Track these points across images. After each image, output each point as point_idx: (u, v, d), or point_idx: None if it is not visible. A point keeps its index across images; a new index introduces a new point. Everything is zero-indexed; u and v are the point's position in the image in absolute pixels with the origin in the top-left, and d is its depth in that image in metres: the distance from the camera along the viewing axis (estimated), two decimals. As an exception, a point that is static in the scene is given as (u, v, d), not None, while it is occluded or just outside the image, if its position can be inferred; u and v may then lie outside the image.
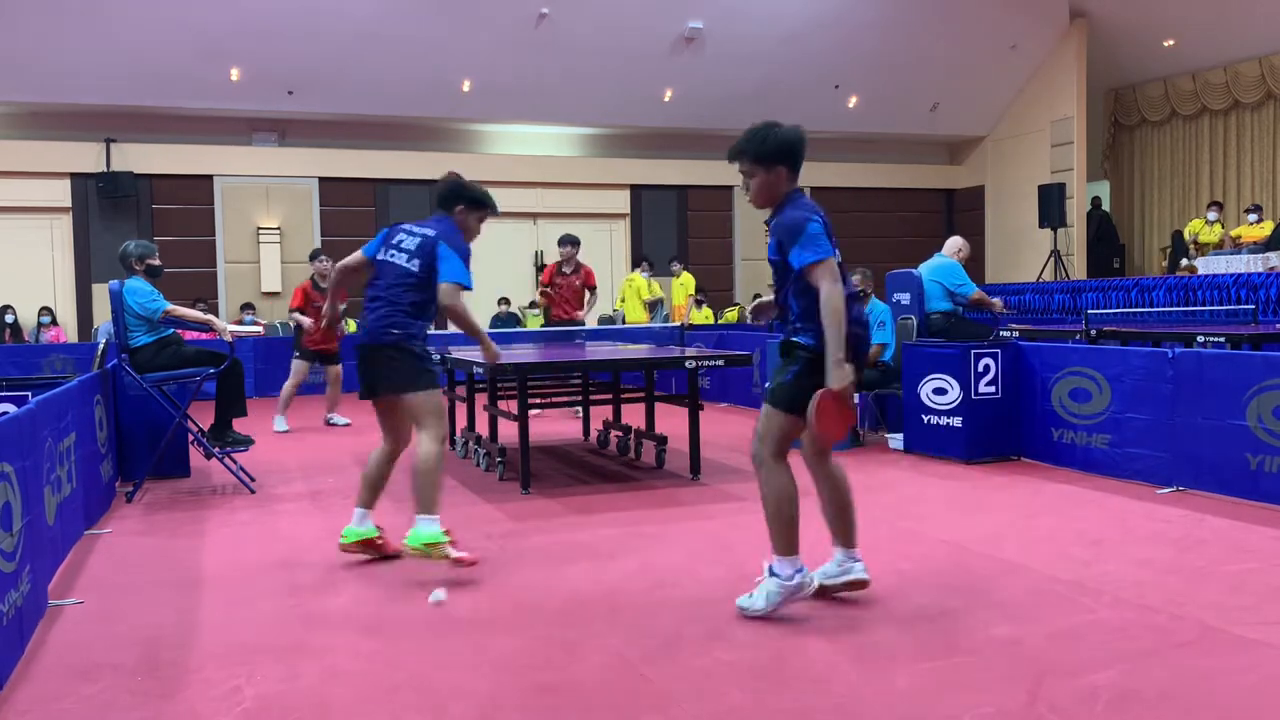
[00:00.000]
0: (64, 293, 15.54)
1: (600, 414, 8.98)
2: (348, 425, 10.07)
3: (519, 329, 14.97)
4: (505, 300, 16.47)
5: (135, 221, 15.44)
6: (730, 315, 17.06)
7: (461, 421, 8.27)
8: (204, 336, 8.97)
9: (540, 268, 16.04)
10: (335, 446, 8.62)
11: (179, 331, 6.96)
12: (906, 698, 3.08)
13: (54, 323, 14.97)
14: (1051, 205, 17.25)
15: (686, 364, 6.69)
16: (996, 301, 8.86)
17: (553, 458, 7.78)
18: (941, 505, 5.88)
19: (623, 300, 14.49)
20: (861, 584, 3.99)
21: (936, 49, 17.06)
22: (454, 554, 4.39)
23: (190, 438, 6.89)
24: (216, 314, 14.78)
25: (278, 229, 16.38)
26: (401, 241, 4.69)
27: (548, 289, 10.40)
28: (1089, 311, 9.54)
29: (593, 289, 10.50)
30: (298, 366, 9.94)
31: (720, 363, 6.85)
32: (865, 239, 19.23)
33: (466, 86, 15.87)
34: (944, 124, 19.11)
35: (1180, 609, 3.85)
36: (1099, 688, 3.10)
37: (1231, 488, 5.72)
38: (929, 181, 20.22)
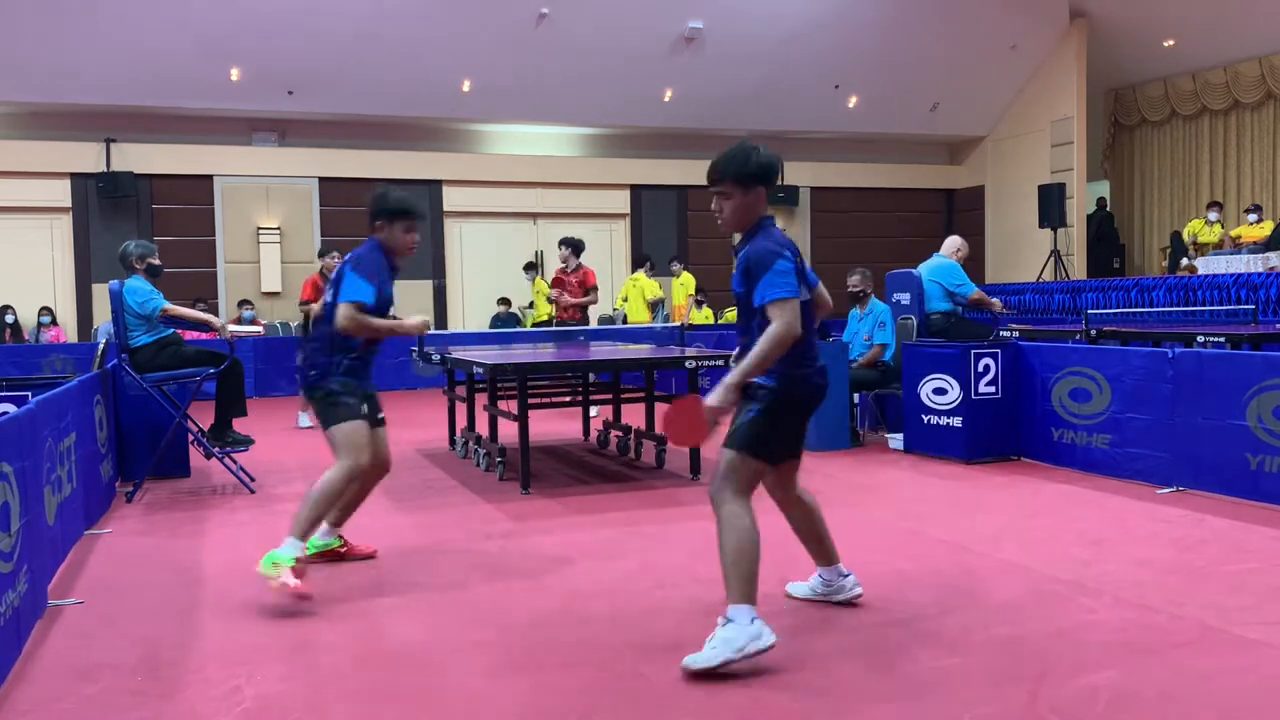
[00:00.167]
0: (64, 293, 15.54)
1: (601, 414, 8.99)
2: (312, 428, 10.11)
3: (519, 329, 14.97)
4: (505, 300, 16.47)
5: (135, 221, 15.44)
6: (730, 315, 17.05)
7: (461, 421, 8.26)
8: (204, 336, 8.97)
9: (537, 267, 16.05)
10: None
11: (179, 331, 6.96)
12: (907, 698, 3.08)
13: (54, 323, 14.97)
14: (1051, 205, 17.24)
15: (686, 364, 6.69)
16: (996, 301, 8.86)
17: (553, 458, 7.79)
18: (941, 505, 5.88)
19: (624, 300, 14.48)
20: (857, 599, 3.98)
21: (936, 49, 17.05)
22: (291, 580, 4.06)
23: (190, 438, 6.89)
24: (216, 314, 14.78)
25: (278, 229, 16.38)
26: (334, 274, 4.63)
27: (556, 297, 10.65)
28: (1089, 311, 9.53)
29: (591, 289, 10.58)
30: None
31: (720, 363, 6.85)
32: (865, 239, 19.26)
33: (466, 86, 15.87)
34: (944, 124, 19.10)
35: (1180, 609, 3.85)
36: (1099, 688, 3.10)
37: (1231, 488, 5.72)
38: (929, 181, 20.22)
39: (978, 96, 18.69)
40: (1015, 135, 19.12)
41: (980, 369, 7.11)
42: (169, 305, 6.71)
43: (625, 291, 13.97)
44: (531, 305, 15.84)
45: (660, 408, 7.90)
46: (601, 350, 8.02)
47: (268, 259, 16.24)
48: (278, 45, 14.40)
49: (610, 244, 18.05)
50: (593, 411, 9.27)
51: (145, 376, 6.56)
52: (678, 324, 13.68)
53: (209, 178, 16.08)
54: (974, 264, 17.34)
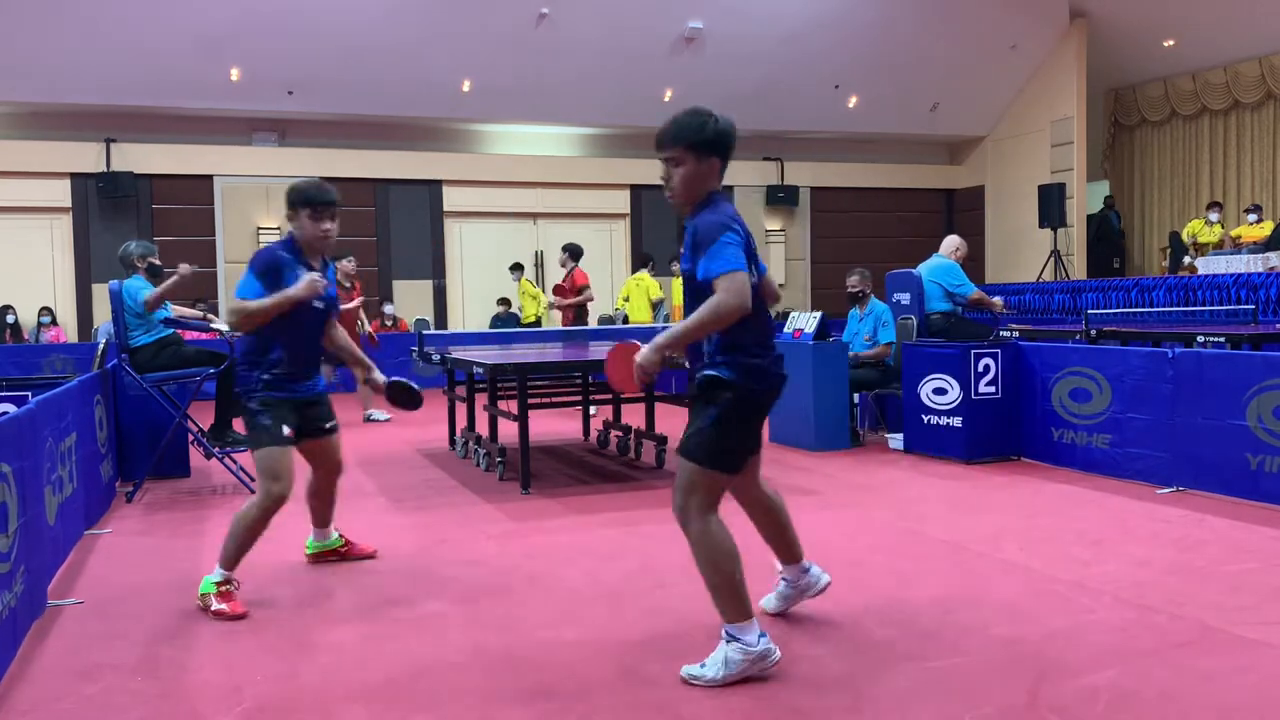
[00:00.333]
0: (64, 293, 15.54)
1: (600, 414, 8.99)
2: (388, 420, 10.17)
3: (519, 329, 14.97)
4: (505, 301, 16.46)
5: (135, 221, 15.44)
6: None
7: (461, 421, 8.26)
8: (204, 336, 8.97)
9: (523, 268, 16.07)
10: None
11: (179, 331, 6.97)
12: (907, 697, 3.08)
13: (54, 323, 14.97)
14: (1051, 205, 17.24)
15: (686, 364, 6.68)
16: (997, 301, 8.86)
17: (553, 458, 7.79)
18: (941, 505, 5.88)
19: (626, 299, 14.50)
20: (827, 586, 3.84)
21: (936, 49, 17.06)
22: (214, 605, 4.01)
23: (190, 438, 6.89)
24: (216, 314, 14.78)
25: (278, 229, 16.36)
26: None
27: (556, 303, 11.10)
28: (1089, 311, 9.53)
29: (581, 288, 10.85)
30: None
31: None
32: (865, 239, 19.26)
33: (466, 86, 15.87)
34: (944, 124, 19.10)
35: (1180, 609, 3.85)
36: (1099, 688, 3.10)
37: (1231, 488, 5.73)
38: (929, 181, 20.22)
39: (978, 96, 18.69)
40: (1015, 135, 19.12)
41: (980, 369, 7.11)
42: (151, 295, 6.55)
43: (627, 291, 13.99)
44: (514, 304, 15.84)
45: (662, 408, 7.91)
46: (602, 350, 8.02)
47: (268, 259, 16.21)
48: (278, 45, 14.40)
49: (610, 244, 18.05)
50: (592, 410, 9.30)
51: (145, 376, 6.56)
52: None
53: (209, 178, 16.08)
54: (974, 264, 17.40)
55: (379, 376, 4.65)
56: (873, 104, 17.98)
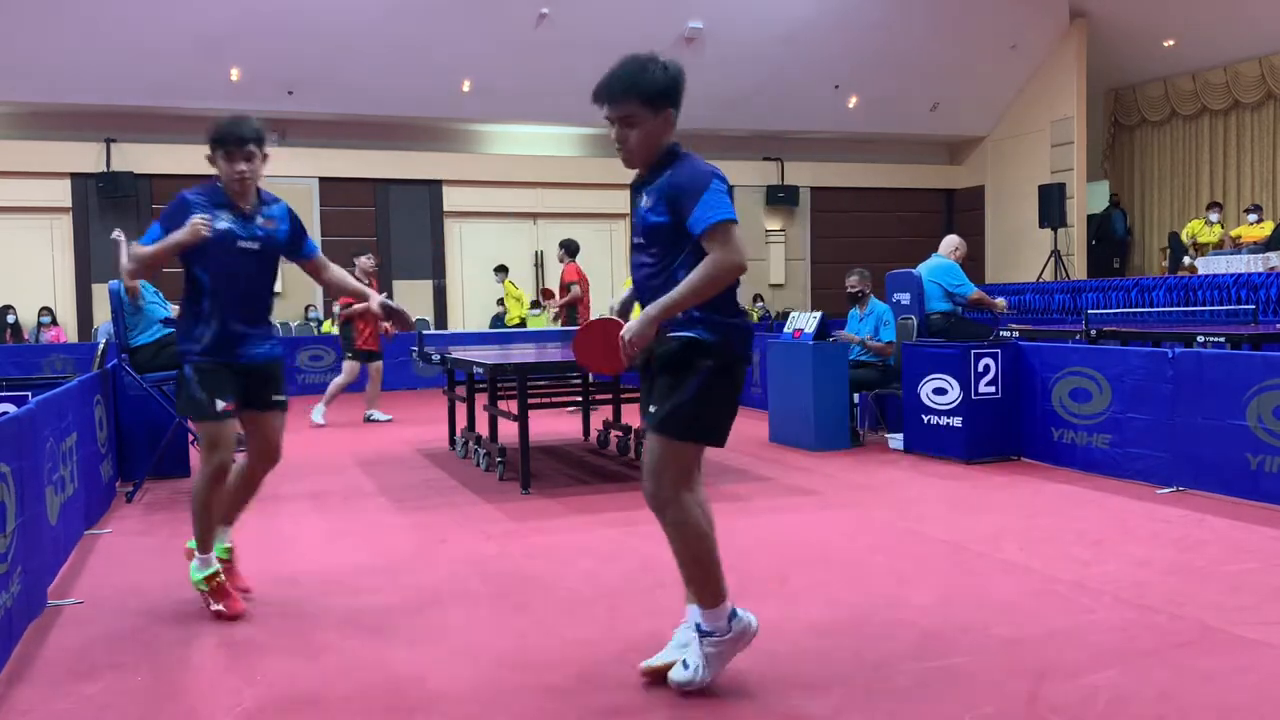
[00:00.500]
0: (64, 293, 15.55)
1: (600, 414, 8.99)
2: (389, 421, 10.18)
3: (519, 329, 14.97)
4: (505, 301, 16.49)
5: (135, 221, 15.43)
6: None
7: (462, 421, 8.26)
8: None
9: (506, 269, 16.08)
10: (339, 446, 8.63)
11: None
12: (906, 698, 3.08)
13: (54, 323, 14.97)
14: (1051, 205, 17.25)
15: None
16: (1000, 301, 8.86)
17: (553, 458, 7.79)
18: (941, 505, 5.88)
19: None
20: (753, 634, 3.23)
21: (936, 49, 17.06)
22: (213, 605, 3.92)
23: (190, 438, 6.89)
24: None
25: (278, 229, 16.37)
26: None
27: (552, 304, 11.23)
28: (1089, 311, 9.53)
29: (566, 286, 11.06)
30: (350, 367, 10.08)
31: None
32: (865, 239, 19.27)
33: (466, 86, 15.87)
34: (944, 124, 19.11)
35: (1180, 609, 3.85)
36: (1099, 688, 3.10)
37: (1231, 488, 5.72)
38: (929, 181, 20.23)
39: (978, 96, 18.70)
40: (1015, 135, 19.13)
41: (980, 369, 7.11)
42: (130, 279, 6.10)
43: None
44: (535, 305, 15.84)
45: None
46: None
47: (268, 259, 16.22)
48: (278, 45, 14.40)
49: (610, 244, 18.05)
50: (570, 408, 9.32)
51: (145, 376, 6.56)
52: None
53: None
54: (974, 264, 17.41)
55: (377, 299, 4.26)
56: (873, 104, 17.98)
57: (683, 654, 3.14)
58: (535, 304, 15.75)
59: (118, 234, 7.03)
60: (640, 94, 2.90)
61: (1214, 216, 15.10)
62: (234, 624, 3.91)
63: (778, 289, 19.16)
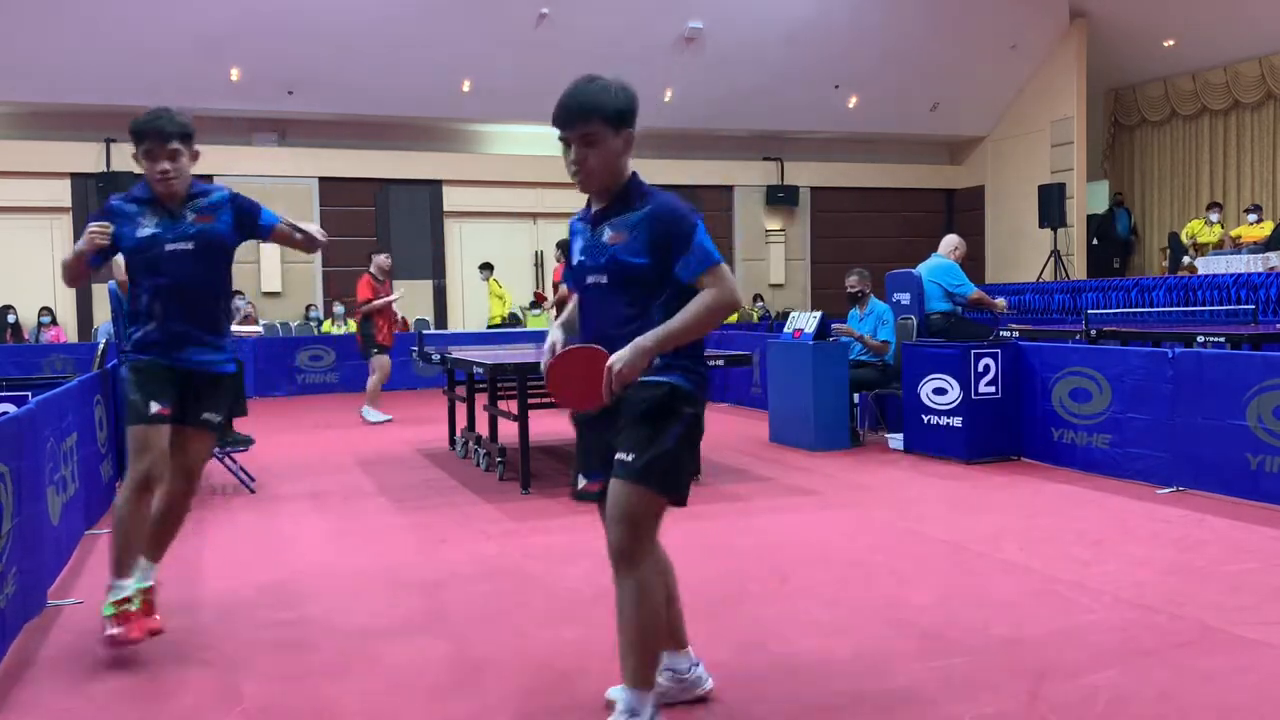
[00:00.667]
0: (64, 293, 15.53)
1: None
2: (389, 421, 10.22)
3: (519, 329, 14.97)
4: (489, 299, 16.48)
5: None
6: (730, 315, 17.04)
7: (462, 421, 8.26)
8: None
9: (492, 268, 16.07)
10: (339, 446, 8.62)
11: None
12: (907, 698, 3.08)
13: (54, 323, 14.97)
14: (1051, 205, 17.26)
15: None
16: (1000, 301, 8.87)
17: (553, 458, 7.78)
18: (941, 505, 5.88)
19: None
20: (709, 694, 3.11)
21: (936, 49, 17.06)
22: (109, 629, 3.46)
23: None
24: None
25: (278, 229, 16.37)
26: None
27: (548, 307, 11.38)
28: (1089, 311, 9.53)
29: (555, 285, 11.19)
30: (382, 361, 10.23)
31: (720, 363, 6.85)
32: (865, 239, 19.26)
33: (466, 86, 15.87)
34: (944, 124, 19.11)
35: (1180, 609, 3.85)
36: (1099, 688, 3.10)
37: (1231, 488, 5.72)
38: (929, 181, 20.23)
39: (978, 96, 18.70)
40: (1015, 135, 19.13)
41: (980, 369, 7.11)
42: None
43: None
44: (534, 305, 15.84)
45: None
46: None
47: (268, 259, 16.24)
48: (278, 45, 14.40)
49: (610, 244, 18.04)
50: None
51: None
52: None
53: (209, 178, 16.01)
54: (974, 264, 17.40)
55: (311, 227, 4.02)
56: (873, 104, 17.99)
57: (675, 692, 3.04)
58: (535, 304, 15.76)
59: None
60: (603, 112, 2.76)
61: (1214, 216, 15.10)
62: (234, 624, 3.90)
63: (778, 289, 19.16)
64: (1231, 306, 11.06)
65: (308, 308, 16.32)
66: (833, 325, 8.15)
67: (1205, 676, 3.19)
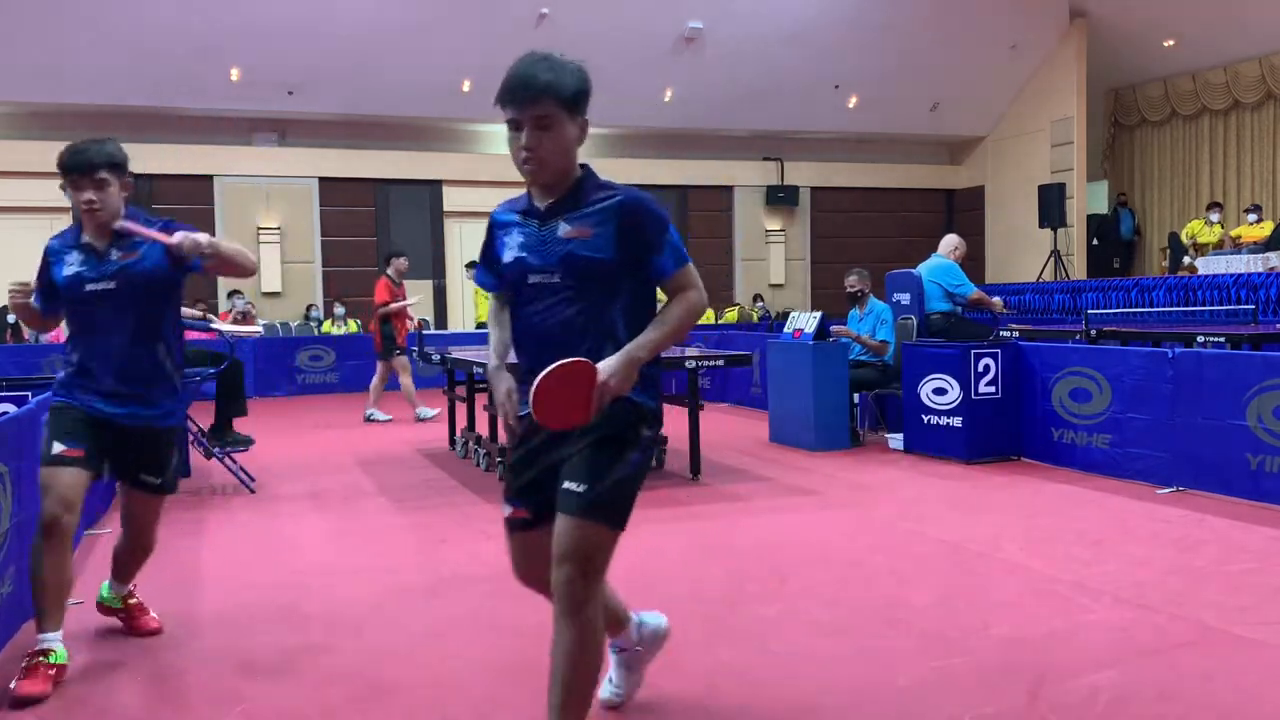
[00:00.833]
0: (64, 293, 15.54)
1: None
2: (389, 421, 10.24)
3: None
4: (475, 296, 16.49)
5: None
6: (730, 315, 17.06)
7: (462, 421, 8.26)
8: (204, 336, 8.98)
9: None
10: (339, 446, 8.62)
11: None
12: (906, 698, 3.08)
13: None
14: (1051, 205, 17.26)
15: (686, 364, 6.69)
16: (997, 301, 8.87)
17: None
18: (941, 505, 5.88)
19: None
20: (666, 632, 3.05)
21: (936, 49, 17.07)
22: (12, 683, 3.16)
23: (190, 438, 6.88)
24: (215, 313, 14.80)
25: (278, 229, 16.38)
26: None
27: None
28: (1089, 311, 9.53)
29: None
30: (403, 362, 10.41)
31: (720, 363, 6.86)
32: (865, 239, 19.27)
33: (466, 86, 15.87)
34: (944, 124, 19.11)
35: (1180, 609, 3.84)
36: (1099, 688, 3.10)
37: (1231, 488, 5.72)
38: (929, 181, 20.23)
39: (978, 96, 18.70)
40: (1015, 135, 19.13)
41: (980, 369, 7.11)
42: None
43: None
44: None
45: (666, 409, 7.88)
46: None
47: (268, 259, 16.24)
48: (278, 45, 14.41)
49: (610, 244, 18.05)
50: (431, 413, 9.91)
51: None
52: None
53: (209, 178, 16.09)
54: (974, 264, 17.40)
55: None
56: (873, 104, 17.99)
57: (630, 673, 2.97)
58: None
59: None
60: (560, 93, 2.42)
61: (1214, 216, 15.11)
62: (234, 624, 3.90)
63: (778, 289, 19.16)
64: (1231, 306, 11.06)
65: (308, 308, 16.32)
66: (831, 327, 8.16)
67: (1205, 676, 3.19)
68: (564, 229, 2.50)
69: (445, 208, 17.23)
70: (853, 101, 17.96)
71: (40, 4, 13.18)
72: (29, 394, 4.57)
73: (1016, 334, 8.88)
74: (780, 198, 19.03)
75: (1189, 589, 4.10)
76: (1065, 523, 5.33)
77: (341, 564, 4.78)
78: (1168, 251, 16.93)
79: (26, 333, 14.91)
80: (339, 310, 15.60)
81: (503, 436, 3.22)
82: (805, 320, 8.16)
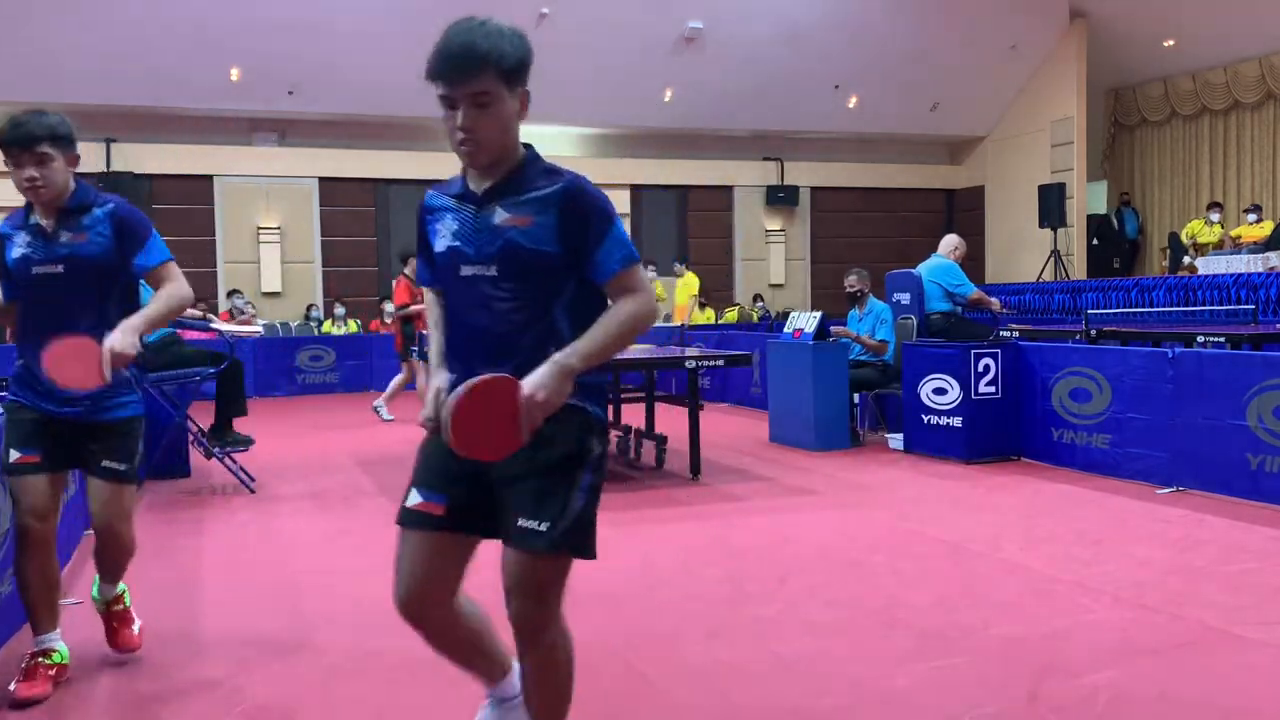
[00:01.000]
0: (64, 293, 15.54)
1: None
2: (391, 421, 10.24)
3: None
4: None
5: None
6: (730, 315, 17.06)
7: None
8: (204, 336, 8.99)
9: None
10: (339, 446, 8.62)
11: (179, 331, 6.97)
12: (906, 698, 3.08)
13: (54, 323, 14.95)
14: (1051, 205, 17.26)
15: (686, 364, 6.69)
16: (995, 301, 8.87)
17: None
18: (941, 505, 5.88)
19: None
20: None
21: (936, 49, 17.06)
22: (11, 685, 3.18)
23: (190, 438, 6.89)
24: (215, 314, 14.81)
25: (278, 229, 16.38)
26: None
27: None
28: (1089, 311, 9.54)
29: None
30: (421, 364, 10.36)
31: (720, 363, 6.86)
32: (865, 239, 19.26)
33: (466, 86, 15.87)
34: (944, 124, 19.11)
35: (1180, 609, 3.85)
36: (1099, 688, 3.10)
37: (1231, 488, 5.72)
38: (929, 181, 20.23)
39: (978, 96, 18.70)
40: (1015, 135, 19.13)
41: (980, 369, 7.11)
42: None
43: None
44: None
45: (662, 408, 7.89)
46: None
47: (268, 259, 16.25)
48: (278, 45, 14.40)
49: (610, 244, 18.04)
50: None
51: (145, 376, 6.55)
52: (679, 324, 13.70)
53: (209, 178, 16.09)
54: (974, 264, 17.40)
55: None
56: (873, 104, 17.98)
57: None
58: None
59: None
60: (500, 64, 2.14)
61: (1214, 216, 15.11)
62: (234, 624, 3.90)
63: (778, 289, 19.16)
64: (1231, 306, 11.06)
65: (308, 308, 16.32)
66: (831, 327, 8.16)
67: (1205, 676, 3.19)
68: (501, 216, 2.23)
69: (445, 208, 17.23)
70: (853, 101, 17.96)
71: (40, 4, 13.18)
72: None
73: (1016, 334, 8.88)
74: (780, 198, 19.03)
75: (1189, 589, 4.10)
76: (1065, 523, 5.33)
77: (341, 564, 4.78)
78: (1168, 251, 16.92)
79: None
80: (339, 310, 15.60)
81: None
82: (805, 320, 8.16)
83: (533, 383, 2.10)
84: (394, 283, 10.47)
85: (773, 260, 19.25)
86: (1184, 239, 15.44)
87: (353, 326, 15.51)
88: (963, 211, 20.19)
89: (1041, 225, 17.49)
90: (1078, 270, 17.85)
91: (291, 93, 15.26)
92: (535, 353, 2.17)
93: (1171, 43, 17.77)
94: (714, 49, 16.14)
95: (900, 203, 19.85)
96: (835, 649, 3.51)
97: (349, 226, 16.54)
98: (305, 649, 3.62)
